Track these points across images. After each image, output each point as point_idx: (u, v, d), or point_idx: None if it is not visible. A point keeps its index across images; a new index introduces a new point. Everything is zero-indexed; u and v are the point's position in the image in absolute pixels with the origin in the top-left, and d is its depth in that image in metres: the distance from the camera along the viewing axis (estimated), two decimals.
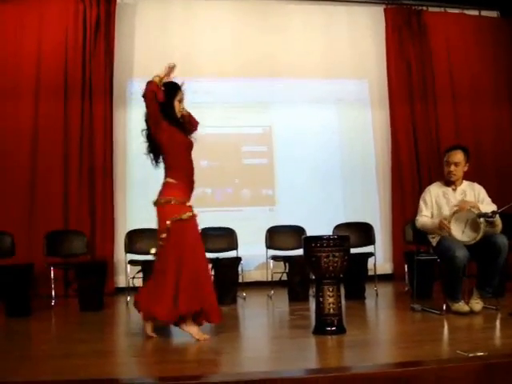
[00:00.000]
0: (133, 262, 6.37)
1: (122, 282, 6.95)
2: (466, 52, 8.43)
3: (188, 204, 4.08)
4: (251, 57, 7.92)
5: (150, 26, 7.81)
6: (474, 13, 8.66)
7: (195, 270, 3.99)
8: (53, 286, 6.31)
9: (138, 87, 7.55)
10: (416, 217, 5.13)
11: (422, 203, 5.12)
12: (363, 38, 8.33)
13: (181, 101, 4.19)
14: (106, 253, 7.09)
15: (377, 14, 8.31)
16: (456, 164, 5.00)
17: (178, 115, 4.19)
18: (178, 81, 4.24)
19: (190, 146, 4.20)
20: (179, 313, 3.96)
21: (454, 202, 4.94)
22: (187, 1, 7.97)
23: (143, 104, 4.09)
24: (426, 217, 5.03)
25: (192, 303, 3.95)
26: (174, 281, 3.95)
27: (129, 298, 6.20)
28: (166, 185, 4.10)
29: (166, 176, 4.12)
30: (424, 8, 8.43)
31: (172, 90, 4.16)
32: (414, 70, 8.20)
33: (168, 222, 3.97)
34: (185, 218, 4.01)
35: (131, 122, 7.50)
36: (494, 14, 8.79)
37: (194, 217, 4.08)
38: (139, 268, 6.27)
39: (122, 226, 7.28)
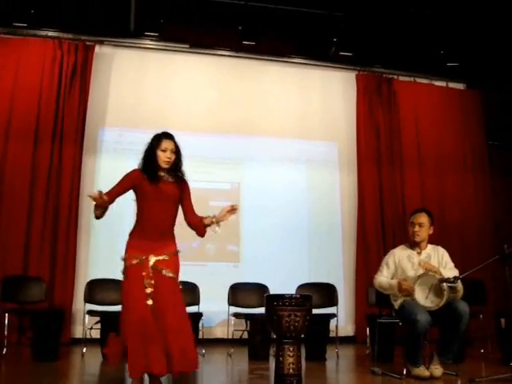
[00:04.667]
0: (92, 313, 6.22)
1: (78, 332, 6.74)
2: (434, 121, 8.70)
3: (142, 256, 3.88)
4: (225, 114, 8.03)
5: (125, 76, 7.87)
6: (442, 84, 8.98)
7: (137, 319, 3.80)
8: (6, 333, 6.06)
9: (109, 136, 7.68)
10: (375, 275, 5.15)
11: (384, 264, 5.14)
12: (335, 101, 8.55)
13: (165, 150, 4.06)
14: (65, 301, 6.90)
15: (349, 79, 8.55)
16: (420, 225, 5.07)
17: (163, 165, 4.07)
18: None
19: (161, 195, 4.05)
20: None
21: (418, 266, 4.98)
22: (164, 54, 8.08)
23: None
24: (384, 277, 5.05)
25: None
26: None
27: (85, 350, 6.03)
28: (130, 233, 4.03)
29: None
30: (395, 76, 8.73)
31: (154, 141, 4.12)
32: (382, 136, 8.40)
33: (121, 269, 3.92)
34: (134, 263, 3.87)
35: (100, 170, 7.46)
36: (460, 85, 9.14)
37: (139, 264, 3.86)
38: (98, 319, 6.13)
39: (84, 275, 7.12)
